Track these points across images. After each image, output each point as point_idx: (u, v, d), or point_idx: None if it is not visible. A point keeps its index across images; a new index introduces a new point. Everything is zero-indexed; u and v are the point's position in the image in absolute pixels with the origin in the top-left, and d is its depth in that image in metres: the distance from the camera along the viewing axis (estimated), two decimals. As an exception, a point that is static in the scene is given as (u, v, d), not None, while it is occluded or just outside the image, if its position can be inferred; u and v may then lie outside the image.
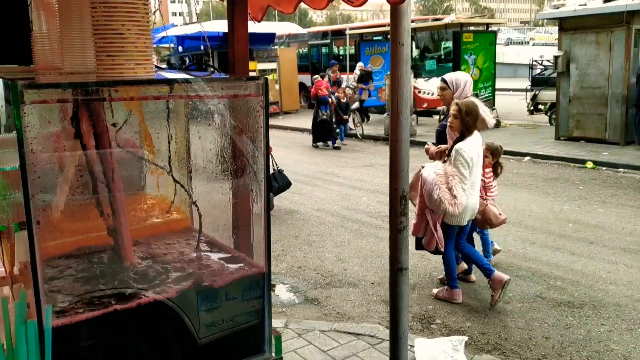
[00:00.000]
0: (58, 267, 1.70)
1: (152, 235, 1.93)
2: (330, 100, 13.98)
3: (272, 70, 21.78)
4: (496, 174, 5.33)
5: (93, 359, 1.53)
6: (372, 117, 18.19)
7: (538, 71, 16.98)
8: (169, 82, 1.53)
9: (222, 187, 1.81)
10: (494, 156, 5.27)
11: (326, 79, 14.61)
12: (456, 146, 4.54)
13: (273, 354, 1.76)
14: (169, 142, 1.77)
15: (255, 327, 1.79)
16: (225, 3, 2.46)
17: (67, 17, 1.79)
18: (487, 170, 5.18)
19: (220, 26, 17.69)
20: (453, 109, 4.60)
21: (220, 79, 1.61)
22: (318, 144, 14.12)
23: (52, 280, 1.62)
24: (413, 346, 3.96)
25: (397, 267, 2.37)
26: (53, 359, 1.30)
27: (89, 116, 1.49)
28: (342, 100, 14.54)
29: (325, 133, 13.89)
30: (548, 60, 16.12)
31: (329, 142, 14.00)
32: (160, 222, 1.98)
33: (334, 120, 14.14)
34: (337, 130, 14.31)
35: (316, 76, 14.81)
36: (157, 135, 1.78)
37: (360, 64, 16.99)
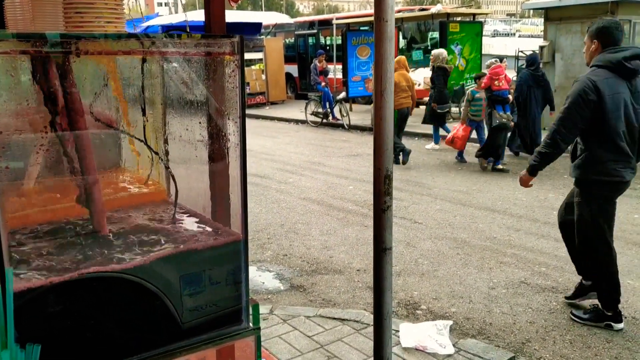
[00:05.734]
0: (27, 237, 1.65)
1: (126, 208, 1.88)
2: (510, 97, 9.42)
3: (259, 60, 21.66)
4: None
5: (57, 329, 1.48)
6: (359, 107, 18.17)
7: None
8: (138, 37, 1.48)
9: (197, 153, 1.76)
10: None
11: (505, 62, 10.43)
12: None
13: (250, 324, 1.71)
14: (144, 109, 1.72)
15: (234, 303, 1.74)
16: None
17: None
18: None
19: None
20: None
21: (193, 35, 1.57)
22: (496, 163, 9.53)
23: (21, 249, 1.57)
24: (398, 331, 3.96)
25: (381, 247, 2.34)
26: (16, 323, 1.27)
27: (56, 74, 1.44)
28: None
29: (498, 147, 9.41)
30: (533, 51, 16.13)
31: (514, 150, 9.93)
32: (134, 195, 1.93)
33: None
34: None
35: (493, 60, 9.97)
36: (131, 102, 1.73)
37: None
